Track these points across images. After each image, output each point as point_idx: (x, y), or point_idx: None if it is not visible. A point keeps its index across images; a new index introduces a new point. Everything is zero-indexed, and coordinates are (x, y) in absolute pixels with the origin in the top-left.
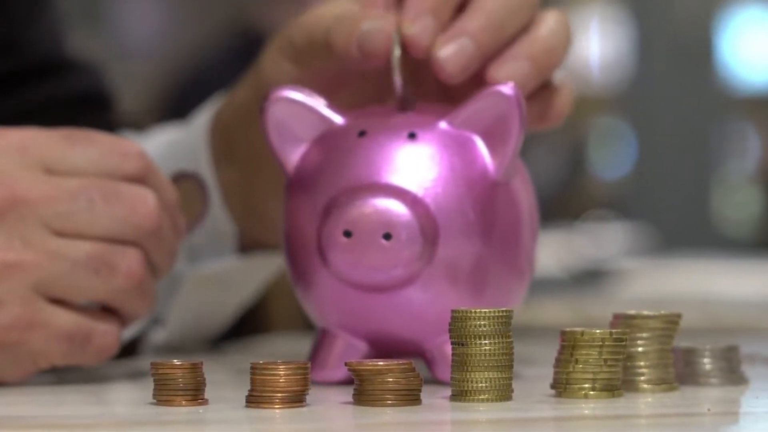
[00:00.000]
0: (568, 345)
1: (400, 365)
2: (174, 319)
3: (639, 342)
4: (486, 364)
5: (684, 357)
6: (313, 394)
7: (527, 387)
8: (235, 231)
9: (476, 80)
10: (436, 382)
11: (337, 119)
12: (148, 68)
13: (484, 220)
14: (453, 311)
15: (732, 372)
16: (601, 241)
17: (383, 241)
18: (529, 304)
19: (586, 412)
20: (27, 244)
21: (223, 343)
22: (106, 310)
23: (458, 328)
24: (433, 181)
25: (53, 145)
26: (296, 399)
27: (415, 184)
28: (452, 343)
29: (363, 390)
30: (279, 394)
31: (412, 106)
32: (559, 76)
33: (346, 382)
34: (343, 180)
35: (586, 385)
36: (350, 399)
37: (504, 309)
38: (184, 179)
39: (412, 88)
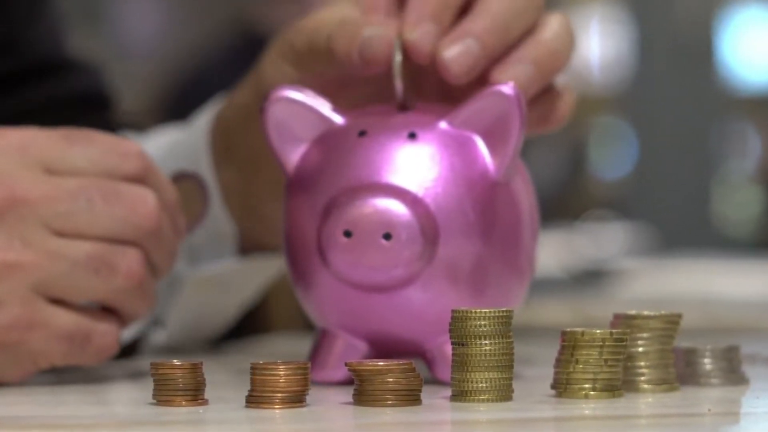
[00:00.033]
0: (569, 345)
1: (400, 365)
2: (174, 320)
3: (639, 342)
4: (486, 365)
5: (684, 357)
6: (313, 394)
7: (527, 387)
8: (235, 232)
9: (479, 84)
10: (437, 382)
11: (337, 119)
12: (148, 68)
13: (484, 220)
14: (453, 311)
15: (732, 372)
16: (601, 241)
17: (383, 241)
18: (530, 304)
19: (587, 412)
20: (27, 244)
21: (223, 343)
22: (106, 310)
23: (458, 328)
24: (433, 181)
25: (53, 145)
26: (296, 399)
27: (415, 184)
28: (452, 343)
29: (363, 390)
30: (279, 395)
31: (413, 109)
32: (560, 79)
33: (346, 382)
34: (343, 180)
35: (587, 386)
36: (350, 399)
37: (504, 309)
38: (184, 179)
39: (413, 94)
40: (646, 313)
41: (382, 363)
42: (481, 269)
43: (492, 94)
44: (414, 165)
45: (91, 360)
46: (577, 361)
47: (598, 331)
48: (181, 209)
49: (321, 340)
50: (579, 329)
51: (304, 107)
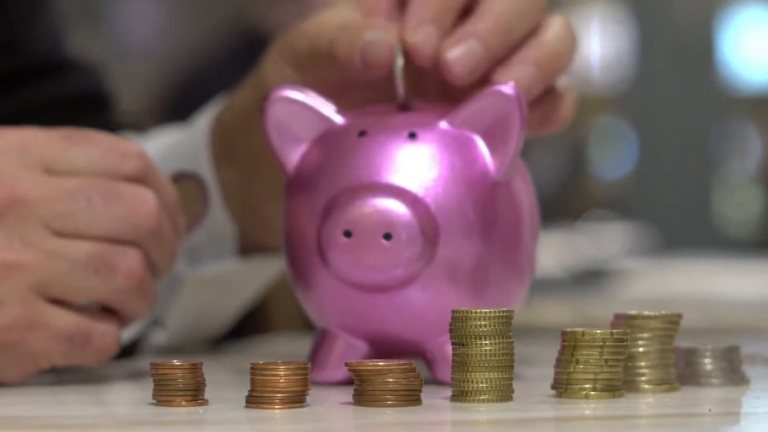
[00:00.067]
0: (569, 345)
1: (400, 365)
2: (174, 320)
3: (640, 342)
4: (486, 365)
5: (685, 357)
6: (313, 394)
7: (528, 387)
8: (235, 232)
9: (481, 85)
10: (437, 382)
11: (337, 119)
12: (148, 68)
13: (484, 220)
14: (453, 311)
15: (733, 372)
16: (601, 241)
17: (383, 241)
18: (530, 304)
19: (587, 412)
20: (27, 244)
21: (223, 343)
22: (106, 311)
23: (459, 329)
24: (433, 180)
25: (53, 144)
26: (296, 399)
27: (415, 184)
28: (453, 344)
29: (363, 390)
30: (279, 395)
31: (413, 109)
32: (562, 80)
33: (347, 382)
34: (343, 180)
35: (587, 386)
36: (350, 399)
37: (504, 309)
38: (184, 179)
39: (413, 94)
40: (646, 313)
41: (382, 363)
42: (481, 269)
43: (492, 94)
44: (414, 165)
45: (91, 360)
46: (577, 361)
47: (598, 331)
48: (181, 209)
49: (321, 340)
50: (579, 329)
51: (304, 107)
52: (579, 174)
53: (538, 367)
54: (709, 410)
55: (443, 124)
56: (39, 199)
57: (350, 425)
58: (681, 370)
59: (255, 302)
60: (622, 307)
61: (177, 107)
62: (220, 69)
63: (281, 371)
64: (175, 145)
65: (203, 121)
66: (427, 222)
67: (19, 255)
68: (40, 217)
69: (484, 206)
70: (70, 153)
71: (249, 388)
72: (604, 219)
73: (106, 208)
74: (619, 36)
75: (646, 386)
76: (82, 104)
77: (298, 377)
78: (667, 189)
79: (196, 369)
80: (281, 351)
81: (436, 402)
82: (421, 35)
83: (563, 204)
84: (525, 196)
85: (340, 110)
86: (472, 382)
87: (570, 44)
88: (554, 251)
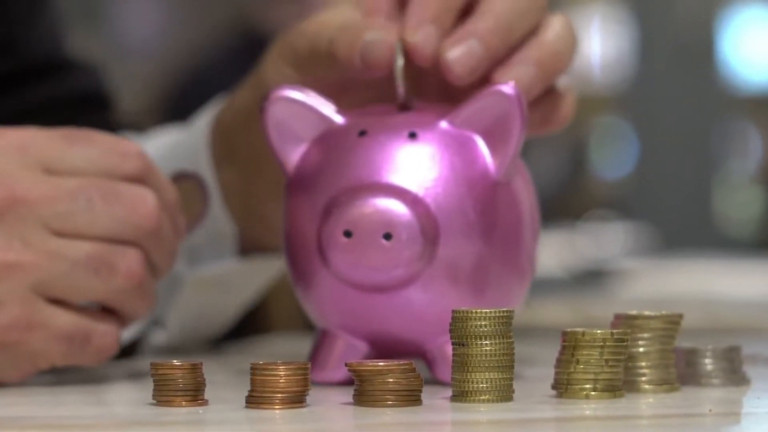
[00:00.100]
0: (569, 345)
1: (400, 366)
2: (174, 320)
3: (640, 342)
4: (487, 365)
5: (685, 357)
6: (314, 394)
7: (528, 387)
8: (235, 233)
9: (481, 85)
10: (437, 382)
11: (338, 119)
12: (148, 68)
13: (484, 220)
14: (454, 311)
15: (734, 372)
16: (602, 241)
17: (383, 241)
18: (530, 304)
19: (588, 412)
20: (26, 245)
21: (223, 343)
22: (106, 311)
23: (459, 329)
24: (433, 180)
25: (52, 144)
26: (296, 399)
27: (415, 183)
28: (453, 344)
29: (363, 390)
30: (279, 395)
31: (413, 109)
32: (562, 80)
33: (347, 382)
34: (343, 180)
35: (588, 386)
36: (350, 399)
37: (505, 309)
38: (184, 179)
39: (414, 93)
40: (647, 313)
41: (382, 363)
42: (481, 269)
43: (492, 94)
44: (414, 165)
45: (90, 360)
46: (577, 362)
47: (598, 331)
48: (181, 209)
49: (321, 340)
50: (580, 329)
51: (304, 107)
52: (579, 174)
53: (538, 368)
54: (710, 410)
55: (443, 124)
56: (39, 199)
57: (350, 425)
58: (681, 371)
59: (255, 302)
60: (622, 307)
61: (177, 107)
62: (220, 69)
63: (281, 371)
64: (174, 145)
65: (203, 121)
66: (428, 222)
67: (19, 255)
68: (39, 217)
69: (485, 206)
70: (69, 153)
71: (249, 388)
72: (604, 219)
73: (105, 208)
74: (619, 36)
75: (647, 386)
76: (81, 104)
77: (298, 377)
78: (668, 189)
79: (196, 369)
80: (281, 351)
81: (437, 402)
82: (421, 35)
83: (564, 204)
84: (525, 196)
85: (340, 110)
86: (473, 383)
87: (570, 44)
88: (555, 251)
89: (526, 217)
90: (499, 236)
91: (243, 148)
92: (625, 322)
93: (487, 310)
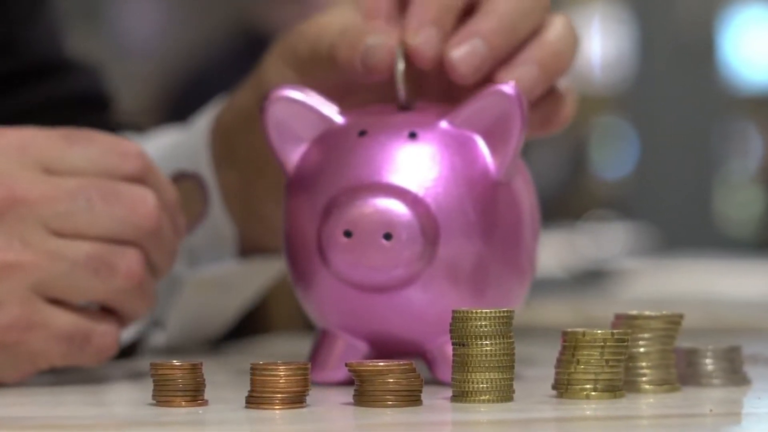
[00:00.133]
0: (570, 345)
1: (400, 366)
2: (173, 321)
3: (641, 342)
4: (487, 365)
5: (686, 357)
6: (314, 394)
7: (528, 388)
8: (235, 234)
9: (482, 85)
10: (437, 382)
11: (338, 119)
12: (148, 68)
13: (485, 220)
14: (454, 311)
15: (734, 372)
16: (602, 241)
17: (384, 241)
18: (531, 304)
19: (588, 412)
20: (26, 245)
21: (223, 343)
22: (106, 311)
23: (459, 329)
24: (433, 180)
25: (52, 144)
26: (296, 400)
27: (415, 183)
28: (453, 344)
29: (363, 391)
30: (279, 395)
31: (413, 109)
32: (562, 81)
33: (347, 382)
34: (343, 180)
35: (588, 386)
36: (351, 400)
37: (505, 309)
38: (184, 179)
39: (414, 93)
40: (647, 313)
41: (382, 363)
42: (481, 269)
43: (493, 94)
44: (414, 165)
45: (90, 360)
46: (578, 362)
47: (599, 331)
48: (181, 209)
49: (321, 340)
50: (580, 329)
51: (304, 107)
52: (580, 174)
53: (538, 368)
54: (710, 411)
55: (443, 124)
56: (38, 199)
57: (350, 426)
58: (682, 371)
59: (255, 302)
60: (623, 307)
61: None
62: (220, 69)
63: (281, 371)
64: (174, 146)
65: (203, 121)
66: (428, 222)
67: (19, 255)
68: (39, 217)
69: (485, 206)
70: (69, 153)
71: (249, 388)
72: (604, 219)
73: (105, 208)
74: (620, 35)
75: (647, 386)
76: (81, 104)
77: (298, 377)
78: (668, 189)
79: (195, 369)
80: (281, 351)
81: (437, 402)
82: (422, 37)
83: (564, 204)
84: (526, 195)
85: (340, 110)
86: (473, 383)
87: (572, 44)
88: (555, 251)
89: (526, 217)
90: (499, 236)
91: (243, 148)
92: (626, 322)
93: (488, 310)
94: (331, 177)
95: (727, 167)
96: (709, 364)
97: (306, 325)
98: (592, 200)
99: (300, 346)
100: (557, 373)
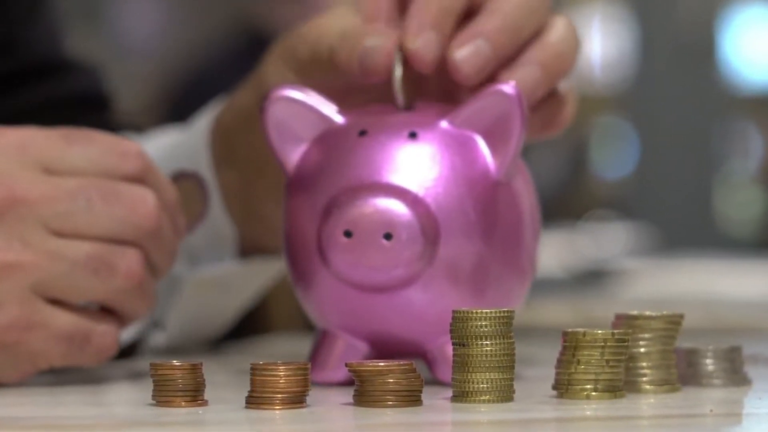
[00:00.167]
0: (570, 345)
1: (400, 366)
2: (173, 322)
3: (641, 343)
4: (487, 365)
5: (686, 358)
6: (314, 395)
7: (529, 388)
8: (235, 234)
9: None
10: (437, 383)
11: (338, 118)
12: (148, 68)
13: (485, 220)
14: (454, 312)
15: (735, 373)
16: (603, 241)
17: (384, 241)
18: (531, 304)
19: (588, 413)
20: (26, 245)
21: (223, 343)
22: (106, 311)
23: (459, 329)
24: (434, 180)
25: (52, 144)
26: (296, 400)
27: (415, 183)
28: (453, 344)
29: (363, 391)
30: (279, 395)
31: (413, 109)
32: (562, 84)
33: (347, 383)
34: (343, 179)
35: (588, 386)
36: (351, 400)
37: (505, 309)
38: (183, 178)
39: (414, 94)
40: (647, 313)
41: (382, 364)
42: (482, 269)
43: (493, 94)
44: (414, 165)
45: (90, 361)
46: (578, 362)
47: (599, 331)
48: (181, 209)
49: (321, 340)
50: (580, 330)
51: (305, 107)
52: (580, 174)
53: (539, 368)
54: (711, 411)
55: (444, 124)
56: (38, 199)
57: (350, 426)
58: (682, 371)
59: (255, 302)
60: (623, 307)
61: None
62: (220, 69)
63: (281, 372)
64: (174, 146)
65: (203, 122)
66: (428, 222)
67: (19, 255)
68: (39, 217)
69: (485, 206)
70: (69, 153)
71: (249, 388)
72: (605, 219)
73: (105, 208)
74: (620, 35)
75: (648, 387)
76: (80, 105)
77: (298, 378)
78: (669, 189)
79: (195, 369)
80: (281, 351)
81: (437, 403)
82: (422, 41)
83: (564, 204)
84: (526, 195)
85: (340, 110)
86: (473, 383)
87: (573, 46)
88: (555, 251)
89: (526, 217)
90: (499, 236)
91: (243, 149)
92: (626, 322)
93: (488, 311)
94: (331, 177)
95: (727, 167)
96: (709, 364)
97: (306, 325)
98: (592, 200)
99: (300, 346)
100: (558, 374)
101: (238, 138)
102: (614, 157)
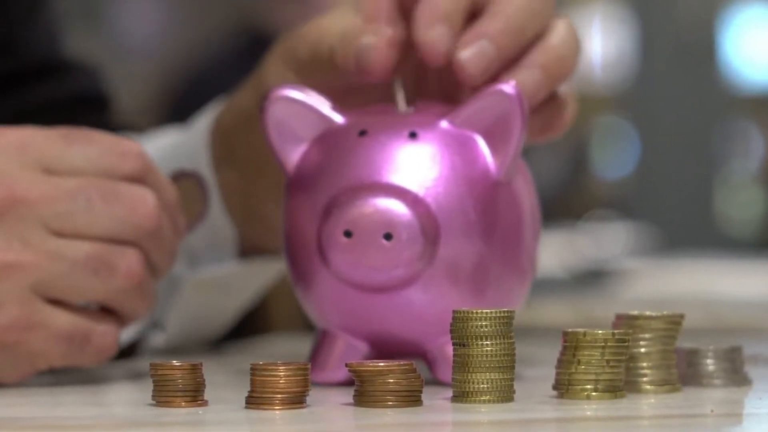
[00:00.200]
0: (571, 346)
1: (400, 366)
2: (173, 322)
3: (642, 343)
4: (487, 365)
5: (687, 358)
6: (314, 395)
7: (529, 388)
8: (235, 235)
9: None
10: (438, 383)
11: (338, 118)
12: (148, 68)
13: (485, 220)
14: (454, 312)
15: (735, 373)
16: (603, 241)
17: (384, 241)
18: (531, 304)
19: (589, 413)
20: (26, 245)
21: (222, 343)
22: (105, 311)
23: (459, 329)
24: (434, 180)
25: (52, 144)
26: (296, 400)
27: (416, 183)
28: (453, 344)
29: (363, 391)
30: (279, 396)
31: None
32: (562, 86)
33: (347, 383)
34: (343, 179)
35: (589, 386)
36: (351, 400)
37: (506, 309)
38: (183, 178)
39: (414, 93)
40: (648, 313)
41: (382, 364)
42: (482, 269)
43: (493, 94)
44: (415, 164)
45: (90, 361)
46: (579, 362)
47: (600, 331)
48: (181, 209)
49: (321, 340)
50: (581, 330)
51: (305, 106)
52: (580, 174)
53: (539, 368)
54: (711, 411)
55: (444, 124)
56: (38, 199)
57: (351, 426)
58: (683, 371)
59: (255, 303)
60: (623, 307)
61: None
62: (221, 69)
63: (281, 372)
64: (174, 146)
65: (203, 122)
66: (428, 222)
67: (18, 255)
68: (39, 217)
69: (485, 206)
70: (69, 152)
71: (249, 388)
72: (605, 219)
73: (105, 208)
74: (620, 35)
75: (648, 387)
76: (80, 105)
77: (298, 378)
78: (669, 189)
79: (195, 369)
80: (281, 351)
81: (437, 403)
82: (434, 33)
83: (564, 204)
84: (526, 195)
85: (340, 110)
86: (473, 383)
87: (575, 48)
88: (555, 251)
89: (526, 217)
90: (499, 236)
91: (243, 149)
92: (627, 322)
93: (488, 311)
94: (331, 177)
95: (728, 167)
96: (710, 364)
97: (306, 325)
98: (592, 200)
99: (300, 346)
100: (558, 374)
101: (238, 138)
102: (614, 157)
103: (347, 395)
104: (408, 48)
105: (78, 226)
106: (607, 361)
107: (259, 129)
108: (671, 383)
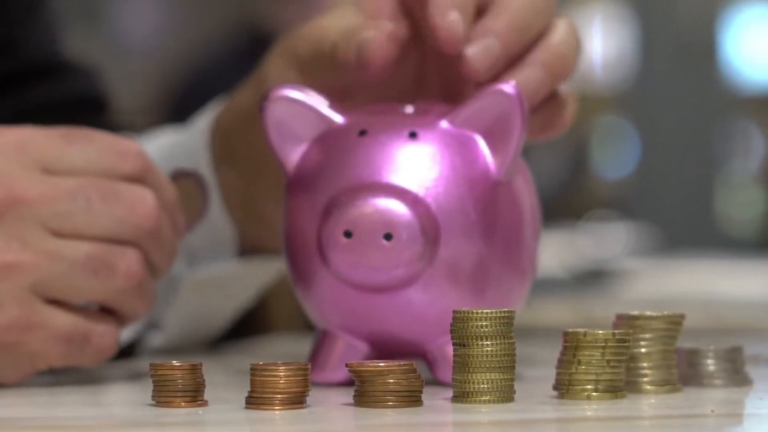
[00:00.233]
0: (571, 346)
1: (401, 366)
2: (172, 323)
3: (642, 343)
4: (488, 365)
5: (687, 358)
6: (314, 395)
7: (529, 388)
8: (234, 234)
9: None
10: (438, 383)
11: (338, 118)
12: (147, 68)
13: (485, 220)
14: (454, 312)
15: (736, 373)
16: (603, 241)
17: (384, 242)
18: (531, 304)
19: (589, 413)
20: (25, 245)
21: (222, 344)
22: (105, 311)
23: (460, 329)
24: (434, 180)
25: (51, 144)
26: (296, 400)
27: (416, 183)
28: (454, 344)
29: (364, 391)
30: (279, 396)
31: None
32: (563, 86)
33: (347, 383)
34: (343, 179)
35: (589, 386)
36: (351, 400)
37: (506, 309)
38: (183, 177)
39: (414, 93)
40: (648, 313)
41: (382, 364)
42: (482, 269)
43: (493, 93)
44: (415, 164)
45: (89, 361)
46: (579, 362)
47: (600, 331)
48: (181, 208)
49: (321, 340)
50: (581, 330)
51: (304, 106)
52: (581, 173)
53: (539, 368)
54: (712, 411)
55: (444, 124)
56: (37, 199)
57: (351, 426)
58: (683, 371)
59: (255, 302)
60: (624, 307)
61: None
62: (221, 69)
63: (281, 372)
64: (174, 146)
65: (203, 122)
66: (428, 222)
67: (18, 255)
68: (38, 217)
69: (486, 206)
70: (68, 152)
71: (249, 389)
72: (606, 219)
73: (104, 208)
74: (621, 35)
75: (649, 387)
76: (79, 106)
77: (299, 378)
78: (670, 189)
79: (195, 370)
80: (281, 351)
81: (437, 403)
82: (452, 18)
83: (565, 204)
84: (526, 195)
85: (341, 109)
86: (474, 383)
87: (575, 47)
88: (556, 251)
89: (527, 217)
90: (500, 236)
91: (243, 149)
92: (627, 322)
93: (488, 311)
94: (331, 177)
95: (728, 167)
96: (710, 364)
97: (306, 325)
98: (593, 200)
99: (300, 346)
100: (558, 374)
101: (238, 138)
102: (615, 157)
103: (347, 395)
104: (408, 47)
105: (77, 226)
106: (608, 361)
107: (259, 129)
108: (672, 383)
